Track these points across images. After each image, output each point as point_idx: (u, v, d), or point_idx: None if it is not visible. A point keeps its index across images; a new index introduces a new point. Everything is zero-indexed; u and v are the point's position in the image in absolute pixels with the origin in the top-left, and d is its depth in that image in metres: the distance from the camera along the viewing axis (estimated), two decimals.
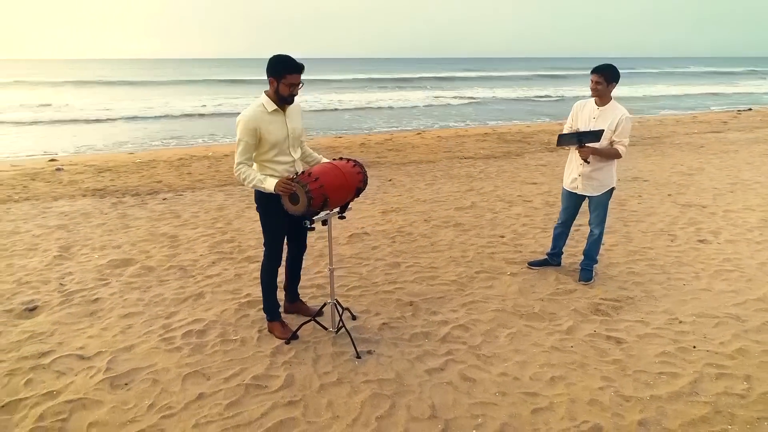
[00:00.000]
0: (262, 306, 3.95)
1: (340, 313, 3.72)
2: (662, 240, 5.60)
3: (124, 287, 4.56)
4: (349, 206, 3.57)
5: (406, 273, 4.83)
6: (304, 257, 3.98)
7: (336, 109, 24.42)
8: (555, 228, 4.80)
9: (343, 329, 3.65)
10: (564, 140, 4.16)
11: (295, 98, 3.40)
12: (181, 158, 11.49)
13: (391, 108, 24.99)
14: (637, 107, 25.03)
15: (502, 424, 2.85)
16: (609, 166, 4.32)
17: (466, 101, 28.70)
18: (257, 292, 4.38)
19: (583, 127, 4.28)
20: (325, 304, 3.80)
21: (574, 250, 5.22)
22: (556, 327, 3.86)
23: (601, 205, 4.43)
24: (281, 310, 3.98)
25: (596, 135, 4.10)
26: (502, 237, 5.79)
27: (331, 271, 3.63)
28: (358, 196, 3.56)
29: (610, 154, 4.21)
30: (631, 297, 4.31)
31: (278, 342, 3.65)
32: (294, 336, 3.68)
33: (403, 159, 11.18)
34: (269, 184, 3.22)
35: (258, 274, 4.68)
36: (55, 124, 18.79)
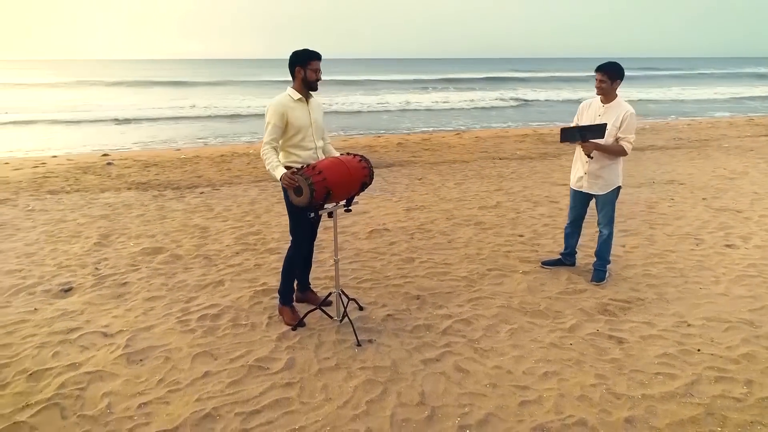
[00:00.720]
0: (275, 294, 4.15)
1: (345, 303, 3.86)
2: (686, 244, 5.48)
3: (152, 273, 4.86)
4: (355, 200, 3.71)
5: (418, 268, 4.93)
6: (315, 248, 4.15)
7: (380, 110, 24.61)
8: (565, 228, 4.81)
9: (346, 318, 3.79)
10: (567, 135, 4.19)
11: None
12: (223, 155, 11.93)
13: (430, 109, 24.96)
14: (688, 109, 24.15)
15: (487, 414, 2.92)
16: (615, 165, 4.32)
17: (514, 102, 28.31)
18: (273, 281, 4.59)
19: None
20: (330, 294, 3.95)
21: (592, 250, 5.17)
22: (559, 325, 3.88)
23: (608, 204, 4.42)
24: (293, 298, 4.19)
25: (599, 130, 4.10)
26: (521, 236, 5.80)
27: (336, 261, 3.78)
28: (363, 190, 3.70)
29: (615, 151, 4.22)
30: (641, 299, 4.27)
31: (286, 328, 3.83)
32: (301, 323, 3.85)
33: (438, 158, 11.24)
34: (279, 173, 3.42)
35: (277, 264, 4.92)
36: (109, 123, 19.77)
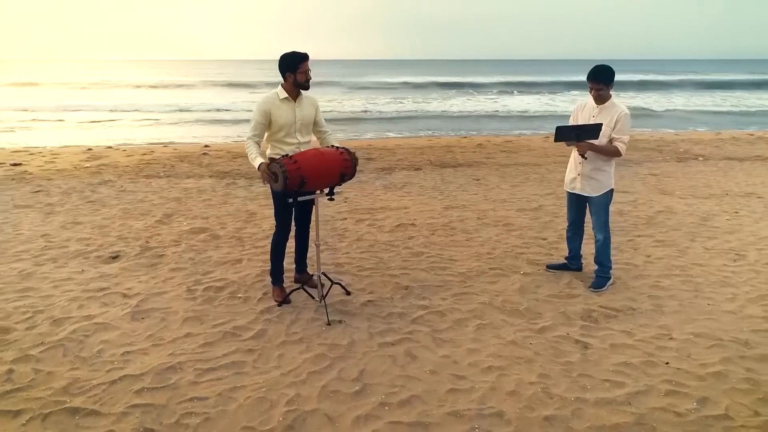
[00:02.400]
0: None
1: (328, 286, 4.15)
2: (722, 259, 5.08)
3: (187, 248, 5.48)
4: (336, 190, 3.98)
5: (423, 262, 5.08)
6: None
7: (475, 113, 24.44)
8: (567, 231, 4.73)
9: (324, 299, 4.07)
10: (562, 134, 4.15)
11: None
12: None
13: (527, 112, 24.30)
14: None
15: (411, 396, 3.07)
16: (608, 167, 4.30)
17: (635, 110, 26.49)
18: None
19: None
20: (312, 276, 4.26)
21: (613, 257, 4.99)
22: (531, 325, 3.87)
23: (601, 207, 4.34)
24: (292, 279, 4.57)
25: (594, 130, 4.05)
26: (544, 239, 5.71)
27: (318, 245, 4.09)
28: (344, 181, 3.95)
29: (610, 152, 4.17)
30: (633, 309, 4.10)
31: (273, 303, 4.21)
32: (286, 300, 4.21)
33: (510, 161, 11.11)
34: (256, 163, 3.79)
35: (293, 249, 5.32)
36: (225, 120, 21.67)
